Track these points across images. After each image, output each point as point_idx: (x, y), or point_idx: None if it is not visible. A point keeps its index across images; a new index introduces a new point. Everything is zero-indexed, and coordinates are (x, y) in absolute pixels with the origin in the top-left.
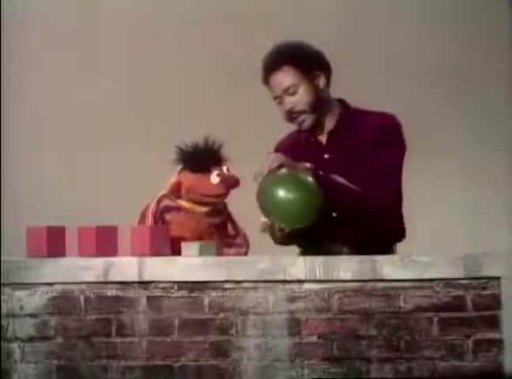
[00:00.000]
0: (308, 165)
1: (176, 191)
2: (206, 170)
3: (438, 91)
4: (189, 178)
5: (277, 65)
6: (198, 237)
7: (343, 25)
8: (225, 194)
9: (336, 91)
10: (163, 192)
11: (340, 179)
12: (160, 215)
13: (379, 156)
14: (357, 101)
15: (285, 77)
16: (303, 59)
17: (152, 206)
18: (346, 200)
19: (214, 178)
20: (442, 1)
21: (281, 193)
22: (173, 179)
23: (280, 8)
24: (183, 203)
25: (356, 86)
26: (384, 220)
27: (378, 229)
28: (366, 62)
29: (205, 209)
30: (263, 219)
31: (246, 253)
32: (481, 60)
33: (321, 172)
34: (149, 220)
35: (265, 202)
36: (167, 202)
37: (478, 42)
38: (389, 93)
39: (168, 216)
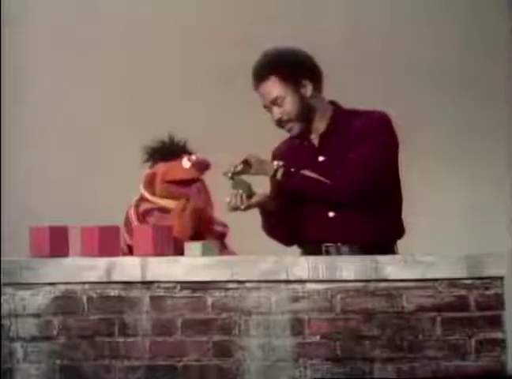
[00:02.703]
0: (280, 162)
1: (151, 183)
2: (177, 158)
3: (438, 91)
4: (161, 168)
5: (265, 76)
6: (183, 232)
7: (342, 24)
8: (198, 179)
9: (335, 91)
10: (136, 197)
11: (311, 174)
12: (142, 219)
13: (354, 150)
14: (356, 100)
15: (272, 88)
16: (290, 69)
17: (133, 211)
18: (315, 191)
19: (185, 163)
20: (442, 0)
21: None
22: (146, 172)
23: (280, 8)
24: (159, 201)
25: (356, 85)
26: (376, 217)
27: (375, 226)
28: (365, 62)
29: (180, 204)
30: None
31: (226, 233)
32: (481, 59)
33: (292, 169)
34: (135, 224)
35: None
36: (145, 206)
37: (477, 41)
38: (389, 93)
39: (150, 219)
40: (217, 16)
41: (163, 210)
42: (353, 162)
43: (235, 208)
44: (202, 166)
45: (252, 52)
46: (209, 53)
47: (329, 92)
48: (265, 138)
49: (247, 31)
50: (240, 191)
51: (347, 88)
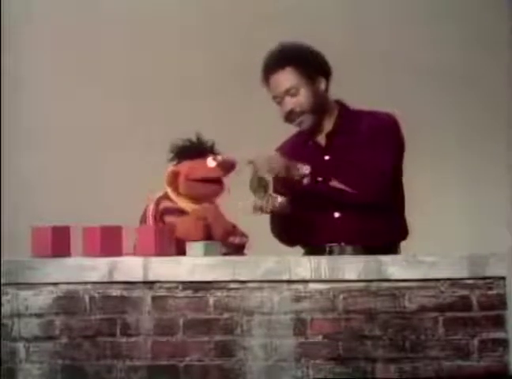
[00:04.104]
0: (308, 168)
1: (174, 181)
2: (202, 157)
3: (439, 91)
4: (186, 166)
5: (280, 65)
6: (195, 235)
7: (344, 24)
8: (222, 182)
9: (337, 91)
10: (160, 194)
11: (337, 184)
12: (159, 217)
13: (373, 156)
14: (358, 100)
15: (287, 78)
16: (307, 62)
17: (152, 208)
18: (339, 199)
19: (210, 162)
20: (443, 0)
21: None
22: (170, 169)
23: (280, 7)
24: (182, 203)
25: (357, 85)
26: (385, 221)
27: (380, 228)
28: (366, 61)
29: (196, 213)
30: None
31: (245, 244)
32: (482, 60)
33: (319, 178)
34: (150, 222)
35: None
36: (165, 204)
37: (479, 41)
38: (389, 93)
39: (168, 218)
40: (219, 16)
41: (183, 212)
42: (377, 169)
43: (260, 210)
44: (228, 165)
45: (252, 52)
46: (209, 53)
47: (331, 92)
48: (266, 139)
49: (248, 32)
50: (269, 194)
51: (348, 88)
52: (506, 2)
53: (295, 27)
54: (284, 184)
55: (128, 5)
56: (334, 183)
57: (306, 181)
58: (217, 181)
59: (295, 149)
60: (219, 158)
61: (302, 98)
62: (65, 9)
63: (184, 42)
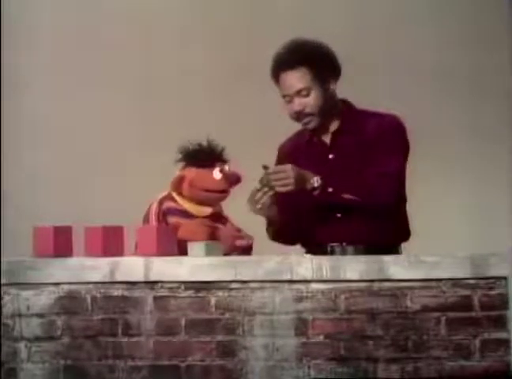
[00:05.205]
0: (319, 179)
1: (178, 186)
2: (209, 166)
3: (442, 92)
4: (192, 172)
5: (292, 64)
6: (201, 237)
7: (347, 25)
8: (227, 191)
9: (340, 91)
10: (164, 194)
11: (347, 196)
12: (162, 217)
13: (384, 161)
14: (361, 101)
15: (300, 79)
16: (321, 63)
17: (155, 207)
18: (351, 208)
19: (217, 174)
20: (446, 1)
21: None
22: (176, 174)
23: (281, 8)
24: (185, 204)
25: (360, 86)
26: (388, 222)
27: (383, 228)
28: (370, 62)
29: (206, 210)
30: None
31: (252, 245)
32: (484, 60)
33: (330, 189)
34: (153, 222)
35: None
36: (169, 204)
37: (483, 42)
38: (392, 94)
39: (171, 218)
40: (221, 16)
41: (186, 213)
42: (389, 175)
43: (256, 203)
44: (233, 179)
45: (254, 52)
46: (210, 53)
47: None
48: (266, 139)
49: (249, 33)
50: (267, 189)
51: (351, 88)
52: (508, 2)
53: (296, 27)
54: (295, 195)
55: (129, 6)
56: (345, 195)
57: (316, 192)
58: (221, 192)
59: (298, 147)
60: (226, 168)
61: (312, 100)
62: (66, 9)
63: (186, 41)
